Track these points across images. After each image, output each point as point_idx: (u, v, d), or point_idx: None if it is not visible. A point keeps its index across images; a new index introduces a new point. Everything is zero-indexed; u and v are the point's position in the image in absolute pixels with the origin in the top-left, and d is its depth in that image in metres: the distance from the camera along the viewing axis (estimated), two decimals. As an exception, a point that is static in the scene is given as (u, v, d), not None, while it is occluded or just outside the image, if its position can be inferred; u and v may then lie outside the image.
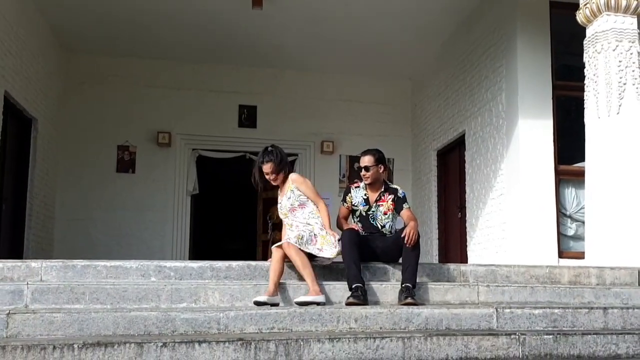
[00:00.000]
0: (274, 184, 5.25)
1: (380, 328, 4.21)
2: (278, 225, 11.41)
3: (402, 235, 4.91)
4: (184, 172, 10.93)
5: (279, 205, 5.29)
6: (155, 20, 9.44)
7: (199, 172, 11.14)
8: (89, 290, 4.42)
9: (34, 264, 4.84)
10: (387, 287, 4.83)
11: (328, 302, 4.64)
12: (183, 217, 10.82)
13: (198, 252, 11.47)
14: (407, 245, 4.87)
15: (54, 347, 3.48)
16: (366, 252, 5.06)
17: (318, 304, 4.43)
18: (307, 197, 5.16)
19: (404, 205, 5.31)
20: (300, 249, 4.80)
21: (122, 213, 10.48)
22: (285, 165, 5.23)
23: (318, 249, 4.89)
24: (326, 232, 4.99)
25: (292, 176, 5.21)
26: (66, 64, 10.50)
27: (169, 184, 10.82)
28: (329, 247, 4.91)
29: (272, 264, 4.76)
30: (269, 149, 5.21)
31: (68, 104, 10.52)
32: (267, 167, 5.16)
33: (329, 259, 4.95)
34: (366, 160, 5.39)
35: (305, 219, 5.10)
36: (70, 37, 10.04)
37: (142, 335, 3.89)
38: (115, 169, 10.68)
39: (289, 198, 5.15)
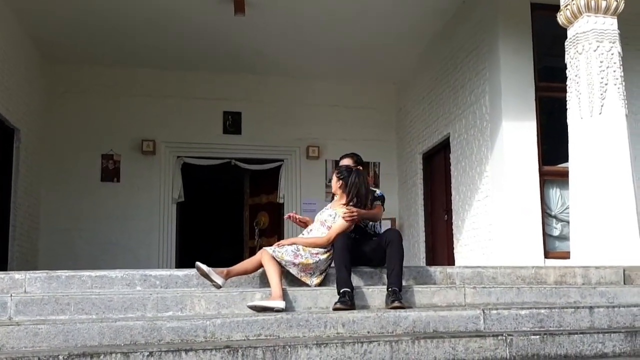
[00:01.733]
0: (333, 190, 5.35)
1: (368, 332, 4.20)
2: (265, 231, 11.49)
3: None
4: (169, 180, 10.89)
5: (321, 211, 5.31)
6: (138, 28, 9.41)
7: (185, 179, 11.10)
8: (74, 301, 4.38)
9: (18, 275, 4.79)
10: (375, 291, 4.82)
11: (314, 306, 4.62)
12: (169, 225, 10.78)
13: (185, 260, 11.41)
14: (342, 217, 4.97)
15: (39, 359, 3.44)
16: (356, 255, 5.06)
17: (273, 309, 4.37)
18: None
19: (376, 202, 5.37)
20: (274, 257, 4.83)
21: (108, 222, 10.42)
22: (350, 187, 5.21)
23: (294, 263, 4.91)
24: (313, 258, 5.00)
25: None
26: (48, 73, 10.43)
27: (154, 192, 10.78)
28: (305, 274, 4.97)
29: (267, 268, 4.78)
30: (355, 168, 5.36)
31: (51, 114, 10.46)
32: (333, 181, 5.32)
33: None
34: (345, 162, 5.55)
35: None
36: (51, 46, 9.98)
37: (128, 345, 3.85)
38: (100, 178, 10.63)
39: (330, 215, 5.18)
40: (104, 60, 10.56)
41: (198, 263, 4.66)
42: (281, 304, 4.42)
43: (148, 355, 3.55)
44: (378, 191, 5.55)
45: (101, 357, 3.51)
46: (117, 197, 10.59)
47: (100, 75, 10.77)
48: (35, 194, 10.03)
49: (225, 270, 4.76)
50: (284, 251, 4.90)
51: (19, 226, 9.15)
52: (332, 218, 5.12)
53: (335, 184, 5.27)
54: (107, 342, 3.90)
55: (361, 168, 5.53)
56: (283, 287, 4.70)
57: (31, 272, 4.90)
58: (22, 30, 9.22)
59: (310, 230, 5.20)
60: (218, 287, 4.65)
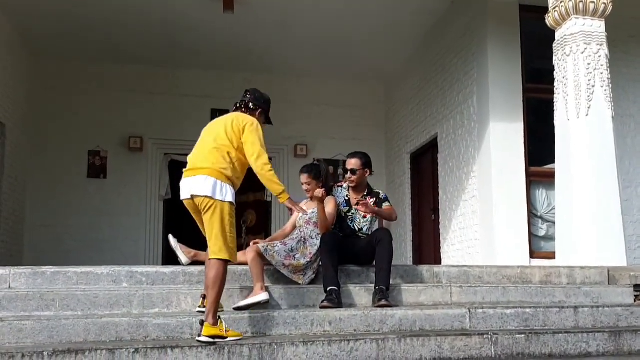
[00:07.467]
0: (307, 194, 5.32)
1: (355, 330, 4.21)
2: (252, 229, 11.46)
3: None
4: (156, 177, 10.84)
5: (301, 214, 5.23)
6: (127, 24, 9.34)
7: (172, 177, 11.05)
8: (59, 297, 4.36)
9: (2, 271, 4.76)
10: (362, 290, 4.84)
11: (301, 305, 4.62)
12: (156, 222, 10.72)
13: (171, 257, 11.36)
14: (358, 209, 5.06)
15: (23, 355, 3.42)
16: (343, 254, 5.05)
17: (260, 302, 4.38)
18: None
19: (384, 204, 5.34)
20: (259, 255, 4.79)
21: (94, 219, 10.36)
22: (321, 181, 5.28)
23: (285, 264, 4.90)
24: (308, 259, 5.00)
25: (329, 198, 5.25)
26: (35, 68, 10.35)
27: (141, 189, 10.73)
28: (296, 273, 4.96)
29: (251, 264, 4.76)
30: (315, 162, 5.51)
31: (37, 109, 10.38)
32: (303, 178, 5.31)
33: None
34: (353, 163, 5.37)
35: (314, 236, 5.10)
36: (39, 41, 9.90)
37: (113, 342, 3.84)
38: (87, 174, 10.56)
39: (313, 212, 5.19)
40: (91, 56, 10.48)
41: (170, 236, 4.79)
42: (264, 296, 4.43)
43: (134, 352, 3.55)
44: (382, 193, 5.49)
45: (86, 353, 3.50)
46: (104, 193, 10.54)
47: (88, 71, 10.70)
48: (21, 189, 9.96)
49: (193, 251, 4.94)
50: (276, 251, 4.88)
51: (3, 221, 9.07)
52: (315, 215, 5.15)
53: (315, 185, 5.22)
54: (92, 338, 3.88)
55: (368, 171, 5.46)
56: (267, 285, 4.68)
57: (16, 267, 4.87)
58: (8, 24, 9.13)
59: (300, 230, 5.20)
60: (181, 264, 4.82)
